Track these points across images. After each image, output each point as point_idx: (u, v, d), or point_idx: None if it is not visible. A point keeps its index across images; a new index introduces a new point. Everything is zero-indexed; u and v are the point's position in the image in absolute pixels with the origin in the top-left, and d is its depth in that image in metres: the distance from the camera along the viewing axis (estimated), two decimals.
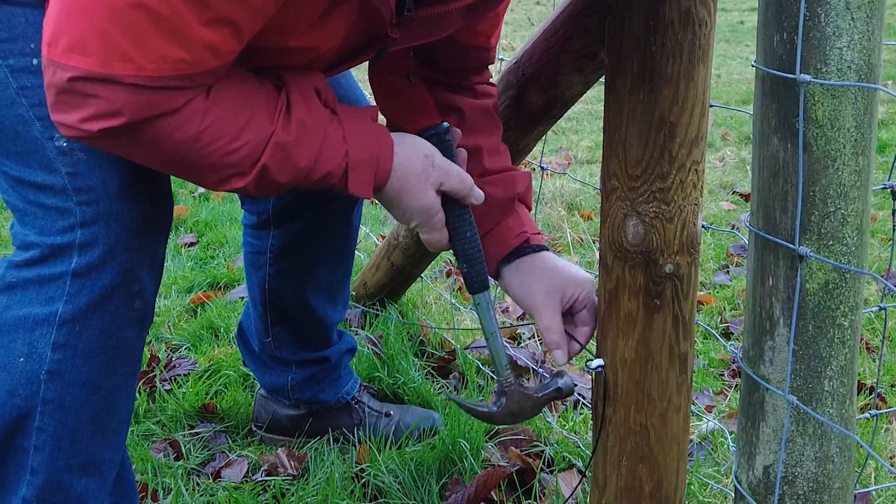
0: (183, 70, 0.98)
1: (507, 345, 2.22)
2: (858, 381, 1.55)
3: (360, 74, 1.70)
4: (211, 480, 1.71)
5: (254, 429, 1.88)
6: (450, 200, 1.26)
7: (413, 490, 1.65)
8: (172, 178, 1.27)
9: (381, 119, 1.33)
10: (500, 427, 1.81)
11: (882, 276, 1.20)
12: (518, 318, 2.47)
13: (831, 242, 0.95)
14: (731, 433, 1.78)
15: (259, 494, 1.67)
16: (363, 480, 1.69)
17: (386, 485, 1.67)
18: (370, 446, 1.78)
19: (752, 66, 1.00)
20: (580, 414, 1.92)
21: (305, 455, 1.78)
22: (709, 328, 1.87)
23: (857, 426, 1.15)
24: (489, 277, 1.35)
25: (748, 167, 4.15)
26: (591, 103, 5.56)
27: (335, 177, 1.14)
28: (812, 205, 0.95)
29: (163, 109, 1.00)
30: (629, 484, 1.30)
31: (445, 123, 1.28)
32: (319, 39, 1.12)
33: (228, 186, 1.11)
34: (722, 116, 5.43)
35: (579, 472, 1.70)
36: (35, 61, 1.13)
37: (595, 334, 1.32)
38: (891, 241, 2.65)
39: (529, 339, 2.32)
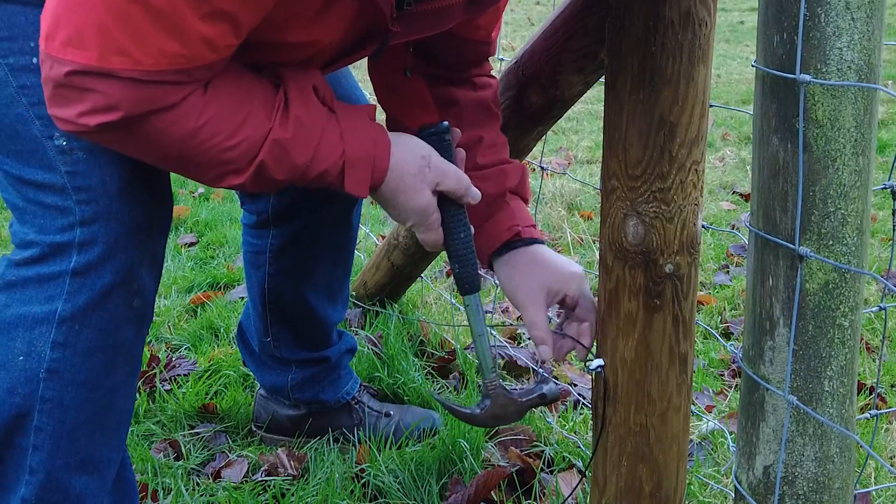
0: (180, 64, 0.98)
1: (507, 344, 2.22)
2: (858, 381, 1.55)
3: (360, 74, 1.70)
4: (211, 480, 1.71)
5: (254, 429, 1.88)
6: (446, 200, 1.26)
7: (413, 490, 1.65)
8: (172, 177, 1.27)
9: (381, 118, 1.33)
10: (500, 427, 1.81)
11: (882, 276, 1.20)
12: (518, 318, 2.47)
13: (831, 242, 0.95)
14: (731, 433, 1.78)
15: (259, 494, 1.67)
16: (363, 480, 1.69)
17: (386, 485, 1.67)
18: (370, 446, 1.78)
19: (752, 66, 1.00)
20: (580, 414, 1.92)
21: (305, 455, 1.78)
22: (709, 328, 1.87)
23: (857, 426, 1.15)
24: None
25: (748, 167, 4.15)
26: (591, 103, 5.56)
27: (331, 175, 1.14)
28: (812, 205, 0.95)
29: (160, 104, 1.00)
30: (629, 484, 1.30)
31: (445, 123, 1.28)
32: (319, 34, 1.11)
33: (225, 183, 1.11)
34: (722, 116, 5.42)
35: (579, 472, 1.70)
36: (35, 60, 1.13)
37: (595, 334, 1.32)
38: (891, 241, 2.65)
39: (529, 339, 2.31)
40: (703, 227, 1.24)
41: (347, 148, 1.14)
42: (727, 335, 2.40)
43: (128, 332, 1.21)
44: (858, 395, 2.00)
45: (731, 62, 7.88)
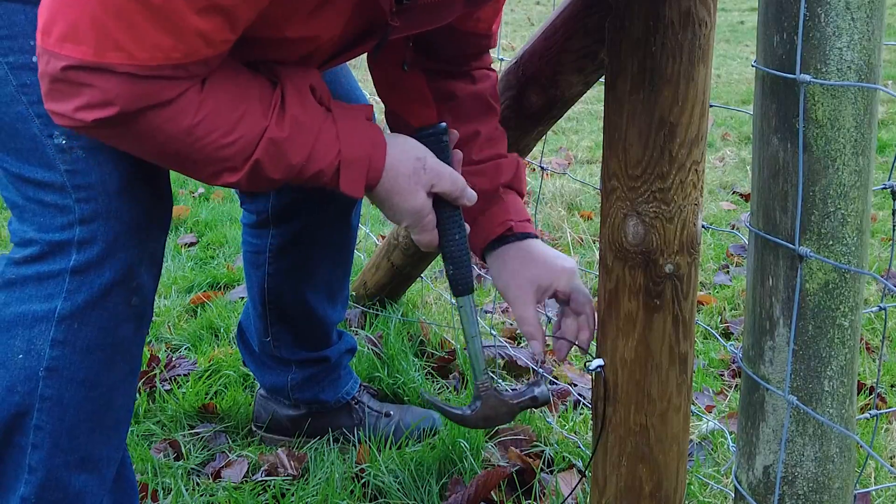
0: (176, 59, 0.98)
1: (507, 344, 2.22)
2: (858, 381, 1.55)
3: (360, 74, 1.70)
4: (211, 480, 1.71)
5: (254, 429, 1.88)
6: (441, 202, 1.26)
7: (413, 490, 1.65)
8: (173, 177, 1.27)
9: (381, 116, 1.33)
10: (500, 427, 1.81)
11: (882, 276, 1.20)
12: None
13: (831, 242, 0.95)
14: (731, 433, 1.78)
15: (259, 494, 1.67)
16: (363, 480, 1.69)
17: (386, 485, 1.67)
18: (370, 446, 1.78)
19: (752, 66, 1.00)
20: (580, 414, 1.92)
21: (305, 455, 1.78)
22: (709, 328, 1.87)
23: (857, 426, 1.15)
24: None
25: (748, 167, 4.15)
26: (591, 103, 5.56)
27: (327, 175, 1.15)
28: (812, 205, 0.95)
29: (156, 100, 1.00)
30: (629, 484, 1.30)
31: (443, 124, 1.28)
32: (318, 29, 1.11)
33: (221, 181, 1.11)
34: (722, 116, 5.42)
35: (579, 472, 1.70)
36: (35, 58, 1.13)
37: (595, 334, 1.32)
38: (891, 241, 2.65)
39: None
40: (703, 227, 1.24)
41: (343, 148, 1.14)
42: (727, 335, 2.40)
43: (127, 330, 1.21)
44: (858, 395, 2.00)
45: (731, 62, 7.88)
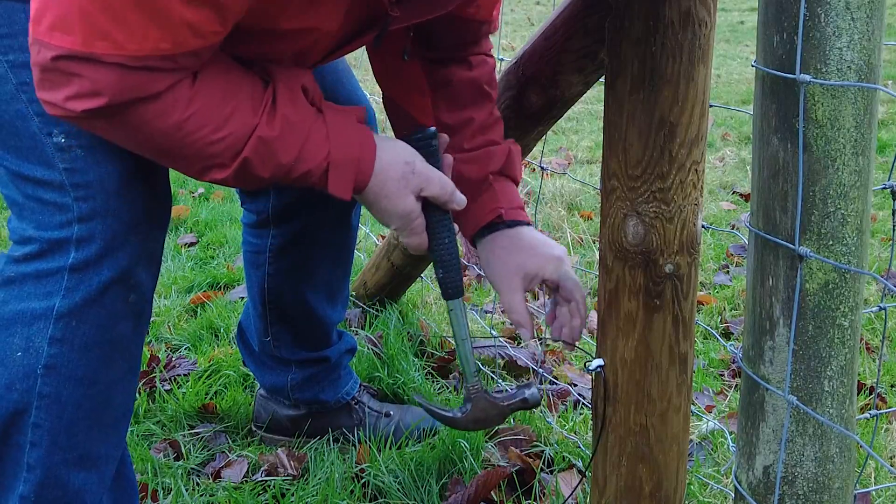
0: (164, 50, 0.98)
1: (507, 344, 2.22)
2: (858, 381, 1.55)
3: (360, 74, 1.70)
4: (211, 480, 1.71)
5: (254, 429, 1.88)
6: (431, 205, 1.26)
7: (413, 490, 1.65)
8: (172, 177, 1.27)
9: (381, 116, 1.33)
10: (500, 427, 1.81)
11: (882, 276, 1.20)
12: None
13: (831, 242, 0.95)
14: (731, 433, 1.78)
15: (259, 494, 1.67)
16: (363, 480, 1.69)
17: (386, 485, 1.67)
18: (370, 446, 1.78)
19: (752, 66, 1.00)
20: (580, 414, 1.92)
21: (305, 455, 1.78)
22: (709, 328, 1.87)
23: (857, 426, 1.15)
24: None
25: (748, 167, 4.15)
26: (591, 103, 5.55)
27: (315, 175, 1.15)
28: (812, 205, 0.95)
29: (145, 92, 1.00)
30: (629, 484, 1.30)
31: (433, 128, 1.28)
32: (315, 21, 1.11)
33: (209, 177, 1.11)
34: (722, 116, 5.42)
35: (579, 472, 1.70)
36: None
37: (595, 334, 1.32)
38: (891, 241, 2.65)
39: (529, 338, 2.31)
40: (703, 227, 1.24)
41: (333, 149, 1.14)
42: (727, 335, 2.40)
43: (125, 327, 1.21)
44: (858, 395, 2.00)
45: (731, 62, 7.88)
